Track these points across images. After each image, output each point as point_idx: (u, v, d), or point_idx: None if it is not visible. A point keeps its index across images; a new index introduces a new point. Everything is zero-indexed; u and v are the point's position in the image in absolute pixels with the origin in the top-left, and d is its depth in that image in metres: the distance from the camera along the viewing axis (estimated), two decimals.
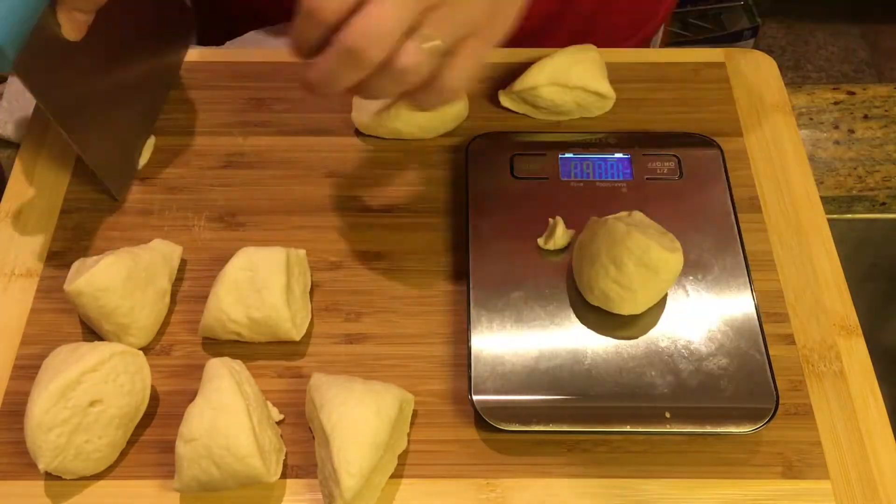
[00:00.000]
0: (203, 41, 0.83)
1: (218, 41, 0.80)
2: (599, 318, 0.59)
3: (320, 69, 0.48)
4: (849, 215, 0.76)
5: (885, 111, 0.78)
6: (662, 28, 0.94)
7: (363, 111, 0.69)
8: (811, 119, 0.79)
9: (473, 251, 0.61)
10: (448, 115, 0.69)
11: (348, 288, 0.62)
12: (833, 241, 0.65)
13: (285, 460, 0.55)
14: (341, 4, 0.47)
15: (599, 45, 0.73)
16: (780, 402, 0.55)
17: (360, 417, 0.51)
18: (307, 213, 0.66)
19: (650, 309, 0.59)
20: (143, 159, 0.69)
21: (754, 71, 0.75)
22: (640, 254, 0.55)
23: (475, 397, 0.55)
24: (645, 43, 0.91)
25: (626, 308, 0.57)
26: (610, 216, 0.59)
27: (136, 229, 0.65)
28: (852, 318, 0.61)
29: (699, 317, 0.59)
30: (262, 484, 0.52)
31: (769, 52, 0.84)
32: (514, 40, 0.78)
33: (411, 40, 0.47)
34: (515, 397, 0.55)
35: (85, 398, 0.52)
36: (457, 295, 0.62)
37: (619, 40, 0.86)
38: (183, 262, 0.63)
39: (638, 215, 0.59)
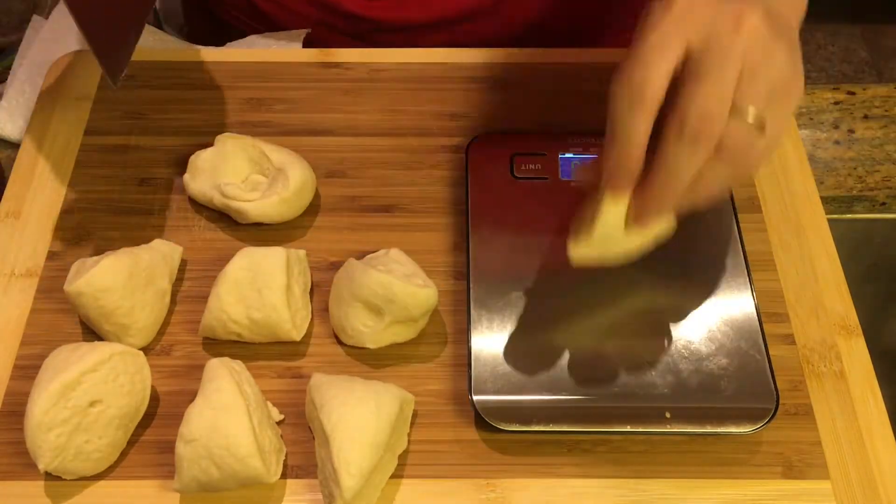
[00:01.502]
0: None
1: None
2: (600, 318, 0.59)
3: (664, 165, 0.46)
4: (849, 215, 0.76)
5: (885, 111, 0.78)
6: None
7: None
8: (811, 119, 0.79)
9: (473, 251, 0.61)
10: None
11: None
12: (833, 241, 0.65)
13: (285, 460, 0.55)
14: (659, 75, 0.45)
15: (598, 41, 0.73)
16: (780, 402, 0.55)
17: (360, 417, 0.51)
18: (307, 213, 0.66)
19: (650, 310, 0.59)
20: None
21: None
22: (382, 291, 0.56)
23: (475, 397, 0.55)
24: None
25: (375, 342, 0.58)
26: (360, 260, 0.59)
27: (136, 229, 0.65)
28: (852, 318, 0.61)
29: (699, 317, 0.59)
30: (262, 484, 0.52)
31: None
32: (513, 40, 0.79)
33: (734, 118, 0.45)
34: (515, 397, 0.55)
35: (85, 398, 0.52)
36: (457, 295, 0.62)
37: (619, 32, 0.86)
38: (183, 262, 0.63)
39: (394, 252, 0.60)
